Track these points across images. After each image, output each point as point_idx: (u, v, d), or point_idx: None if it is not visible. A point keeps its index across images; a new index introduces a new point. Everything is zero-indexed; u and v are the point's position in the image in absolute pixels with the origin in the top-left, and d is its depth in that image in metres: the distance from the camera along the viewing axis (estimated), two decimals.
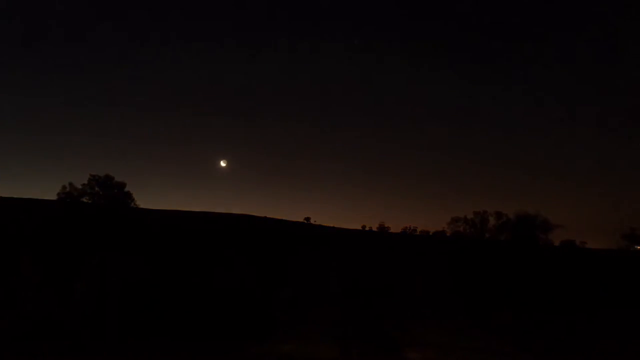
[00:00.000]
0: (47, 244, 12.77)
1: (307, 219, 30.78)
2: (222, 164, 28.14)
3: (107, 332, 10.46)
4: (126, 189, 19.57)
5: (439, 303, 15.45)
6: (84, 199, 17.86)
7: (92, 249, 12.78)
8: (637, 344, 11.35)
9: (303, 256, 18.20)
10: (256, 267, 15.43)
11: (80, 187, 18.31)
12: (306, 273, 17.30)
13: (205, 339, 10.38)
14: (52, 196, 18.89)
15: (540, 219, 23.07)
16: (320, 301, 15.07)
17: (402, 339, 11.06)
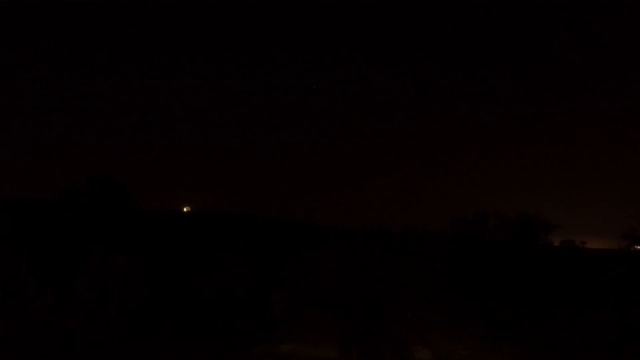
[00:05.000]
0: (47, 244, 12.78)
1: (307, 218, 30.74)
2: (185, 209, 28.04)
3: (107, 332, 10.46)
4: (126, 189, 19.59)
5: (439, 303, 15.45)
6: (84, 199, 17.87)
7: (92, 249, 12.79)
8: (637, 344, 11.36)
9: (303, 256, 18.19)
10: (256, 267, 15.43)
11: (80, 187, 18.33)
12: (306, 273, 17.29)
13: (205, 338, 10.39)
14: (52, 196, 18.92)
15: (540, 219, 23.12)
16: (320, 301, 15.07)
17: (402, 339, 11.07)
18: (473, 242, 23.22)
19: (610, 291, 17.56)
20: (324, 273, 17.64)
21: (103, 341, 9.86)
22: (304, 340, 10.43)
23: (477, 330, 12.38)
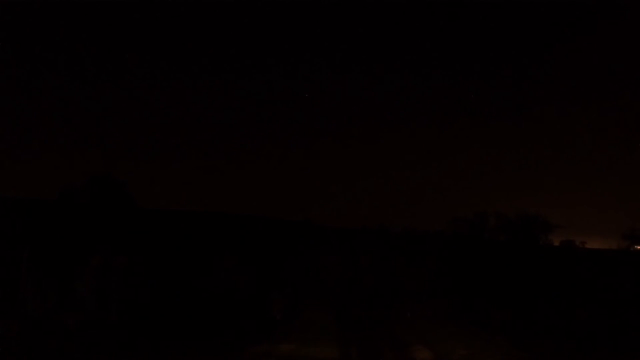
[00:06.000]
0: (47, 244, 12.77)
1: (307, 219, 30.72)
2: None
3: (107, 332, 10.47)
4: (126, 189, 19.58)
5: (438, 303, 15.45)
6: (84, 199, 17.86)
7: (92, 249, 12.78)
8: (636, 344, 11.36)
9: (303, 256, 18.19)
10: (256, 267, 15.43)
11: (80, 187, 18.31)
12: (306, 273, 17.29)
13: (204, 338, 10.39)
14: (52, 196, 18.88)
15: (540, 219, 23.07)
16: (320, 301, 15.08)
17: (401, 339, 11.07)
18: (473, 242, 23.17)
19: (610, 291, 17.55)
20: (324, 273, 17.65)
21: (103, 341, 9.86)
22: (303, 340, 10.43)
23: (477, 330, 12.39)
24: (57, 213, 16.40)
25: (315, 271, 17.52)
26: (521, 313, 14.24)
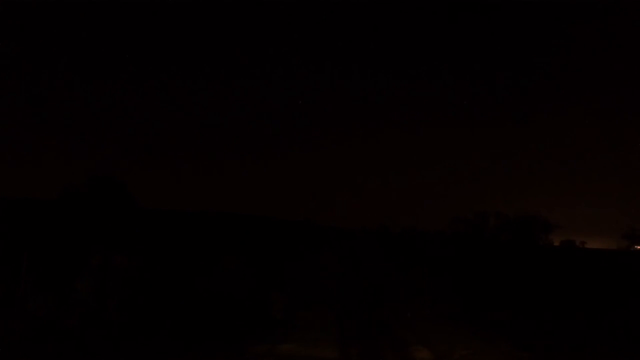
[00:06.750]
0: (47, 244, 12.78)
1: (307, 219, 30.75)
2: None
3: (107, 332, 10.47)
4: (126, 189, 19.57)
5: (438, 303, 15.45)
6: (84, 199, 17.86)
7: (92, 249, 12.79)
8: (636, 344, 11.36)
9: (303, 256, 18.19)
10: (256, 267, 15.43)
11: (80, 187, 18.30)
12: (306, 273, 17.29)
13: (205, 339, 10.39)
14: (52, 196, 18.87)
15: (540, 219, 23.08)
16: (320, 301, 15.08)
17: (402, 339, 11.07)
18: (473, 242, 23.17)
19: (610, 291, 17.56)
20: (324, 273, 17.64)
21: (103, 341, 9.86)
22: (303, 340, 10.44)
23: (477, 330, 12.39)
24: (57, 213, 16.40)
25: (316, 271, 17.52)
26: (521, 313, 14.23)
